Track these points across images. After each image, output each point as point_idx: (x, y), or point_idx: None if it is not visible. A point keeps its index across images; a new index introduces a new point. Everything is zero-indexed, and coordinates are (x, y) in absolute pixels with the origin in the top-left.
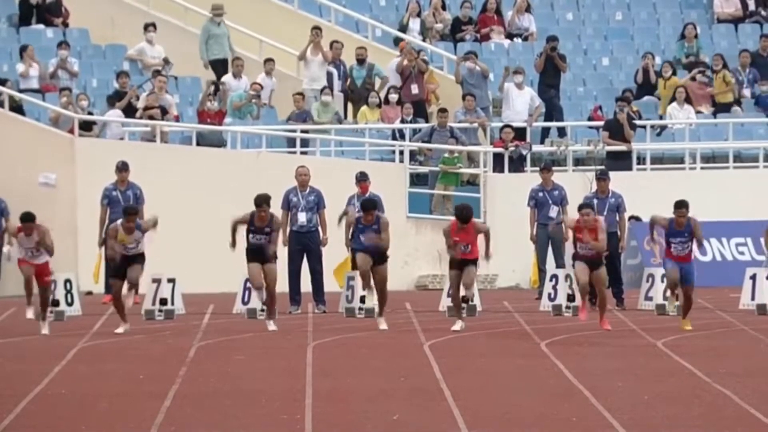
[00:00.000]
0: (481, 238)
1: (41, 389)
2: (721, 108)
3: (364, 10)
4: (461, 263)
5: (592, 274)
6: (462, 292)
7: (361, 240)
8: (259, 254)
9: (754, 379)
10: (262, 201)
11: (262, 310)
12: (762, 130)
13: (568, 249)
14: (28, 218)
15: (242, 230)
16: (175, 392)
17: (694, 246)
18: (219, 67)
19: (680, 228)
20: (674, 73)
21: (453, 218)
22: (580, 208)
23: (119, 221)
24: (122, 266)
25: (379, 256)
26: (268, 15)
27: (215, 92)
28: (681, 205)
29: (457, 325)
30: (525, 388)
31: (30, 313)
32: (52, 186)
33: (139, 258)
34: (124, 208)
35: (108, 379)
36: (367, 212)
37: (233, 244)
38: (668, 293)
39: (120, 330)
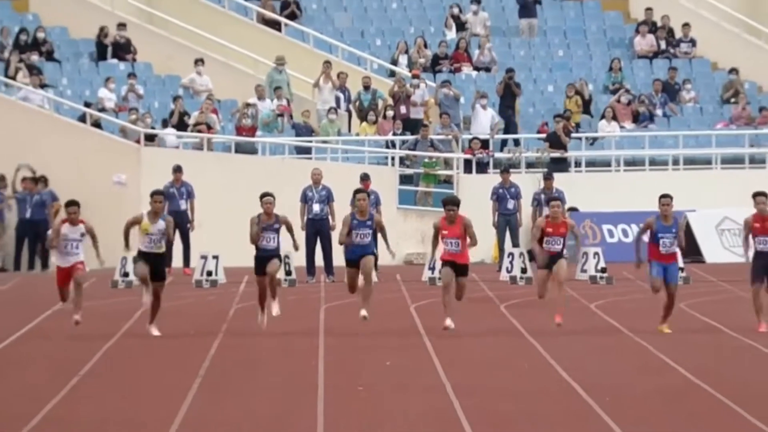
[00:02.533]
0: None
1: (114, 341)
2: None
3: (364, 48)
4: (455, 266)
5: (553, 267)
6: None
7: (354, 242)
8: (266, 263)
9: (666, 335)
10: (266, 193)
11: (286, 280)
12: (671, 141)
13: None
14: (74, 202)
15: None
16: (218, 343)
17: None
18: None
19: (668, 223)
20: (584, 96)
21: (441, 215)
22: (549, 200)
23: (145, 211)
24: (146, 262)
25: (369, 252)
26: (289, 51)
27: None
28: (665, 196)
29: (448, 321)
30: (488, 341)
31: (77, 316)
32: (123, 185)
33: (161, 265)
34: (151, 192)
35: (166, 333)
36: (362, 197)
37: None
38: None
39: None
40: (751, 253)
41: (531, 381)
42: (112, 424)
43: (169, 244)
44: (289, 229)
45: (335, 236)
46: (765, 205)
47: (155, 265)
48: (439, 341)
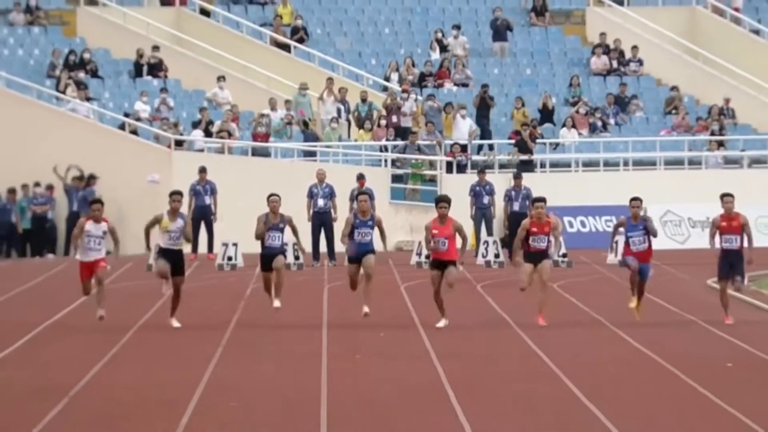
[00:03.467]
0: (459, 238)
1: (149, 317)
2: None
3: (361, 67)
4: (441, 264)
5: (536, 267)
6: (444, 288)
7: (356, 240)
8: (272, 260)
9: (616, 311)
10: (273, 194)
11: (295, 264)
12: (622, 146)
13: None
14: (97, 200)
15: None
16: (237, 318)
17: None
18: (303, 124)
19: (636, 222)
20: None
21: (431, 219)
22: (534, 201)
23: (165, 210)
24: (166, 259)
25: (370, 250)
26: (297, 70)
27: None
28: (635, 198)
29: (441, 323)
30: (467, 315)
31: (101, 311)
32: (156, 183)
33: (180, 261)
34: (171, 192)
35: (191, 310)
36: (363, 198)
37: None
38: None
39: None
40: (717, 246)
41: (501, 348)
42: (148, 385)
43: (189, 239)
44: (294, 231)
45: (336, 227)
46: (731, 204)
47: (175, 261)
48: (423, 315)
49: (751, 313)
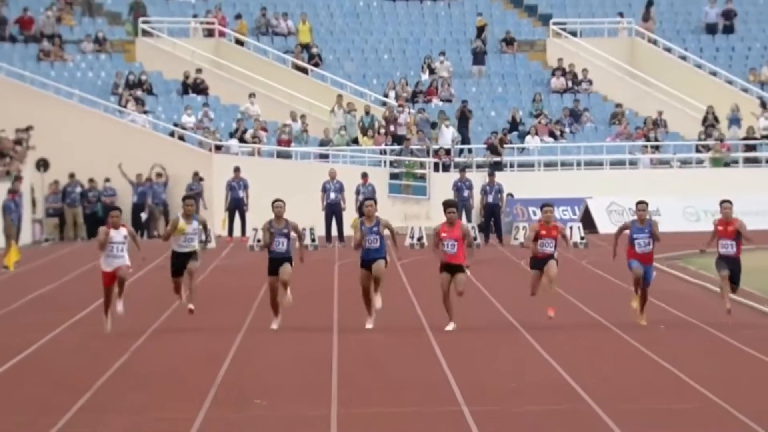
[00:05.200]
0: (466, 243)
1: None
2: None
3: (365, 86)
4: (450, 268)
5: (545, 268)
6: (453, 295)
7: (366, 247)
8: (279, 265)
9: (574, 286)
10: (277, 199)
11: (312, 245)
12: (575, 149)
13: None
14: (115, 207)
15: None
16: (263, 292)
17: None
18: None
19: (642, 225)
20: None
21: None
22: (542, 206)
23: (179, 213)
24: (179, 264)
25: (380, 257)
26: (313, 89)
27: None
28: (642, 202)
29: (450, 326)
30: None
31: (108, 325)
32: (201, 180)
33: (194, 254)
34: (183, 196)
35: (230, 283)
36: (369, 203)
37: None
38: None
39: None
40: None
41: (482, 319)
42: (190, 347)
43: (203, 239)
44: (299, 238)
45: (345, 216)
46: (730, 210)
47: (186, 261)
48: (416, 288)
49: (678, 283)
